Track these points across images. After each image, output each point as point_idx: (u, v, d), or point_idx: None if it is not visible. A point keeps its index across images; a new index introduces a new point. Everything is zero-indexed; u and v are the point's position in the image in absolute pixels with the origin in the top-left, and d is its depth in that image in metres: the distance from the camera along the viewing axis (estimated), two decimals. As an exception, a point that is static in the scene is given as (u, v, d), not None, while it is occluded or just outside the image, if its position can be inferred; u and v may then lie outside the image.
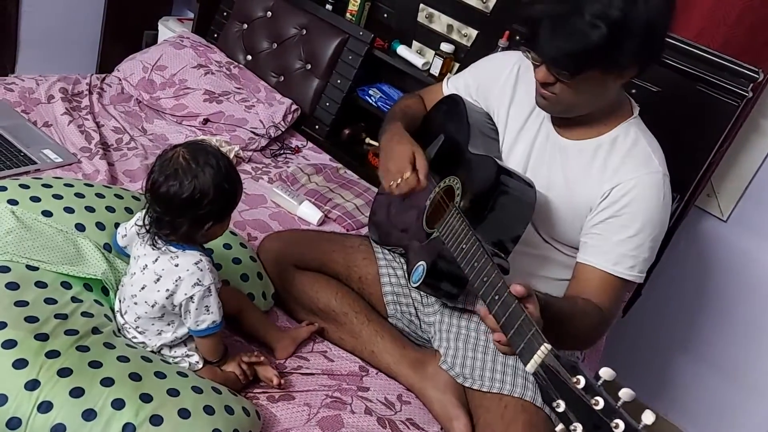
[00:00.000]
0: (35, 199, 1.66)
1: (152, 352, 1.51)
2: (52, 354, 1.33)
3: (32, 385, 1.28)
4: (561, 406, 0.99)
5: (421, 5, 2.64)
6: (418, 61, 2.60)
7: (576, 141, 1.59)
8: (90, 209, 1.70)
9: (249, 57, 2.91)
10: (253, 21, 2.91)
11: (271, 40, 2.87)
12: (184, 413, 1.34)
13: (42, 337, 1.35)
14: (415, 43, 2.70)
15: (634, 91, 2.00)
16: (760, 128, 2.18)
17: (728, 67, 1.99)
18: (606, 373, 0.97)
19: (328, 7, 2.81)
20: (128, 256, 1.57)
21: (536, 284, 1.42)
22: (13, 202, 1.64)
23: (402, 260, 1.85)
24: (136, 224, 1.50)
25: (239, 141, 2.52)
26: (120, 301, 1.54)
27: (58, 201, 1.68)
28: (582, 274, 1.55)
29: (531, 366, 1.07)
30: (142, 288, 1.45)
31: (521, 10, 2.12)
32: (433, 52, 2.58)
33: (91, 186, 1.80)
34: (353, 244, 1.92)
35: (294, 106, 2.70)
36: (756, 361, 2.40)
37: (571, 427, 0.96)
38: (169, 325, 1.49)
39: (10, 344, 1.32)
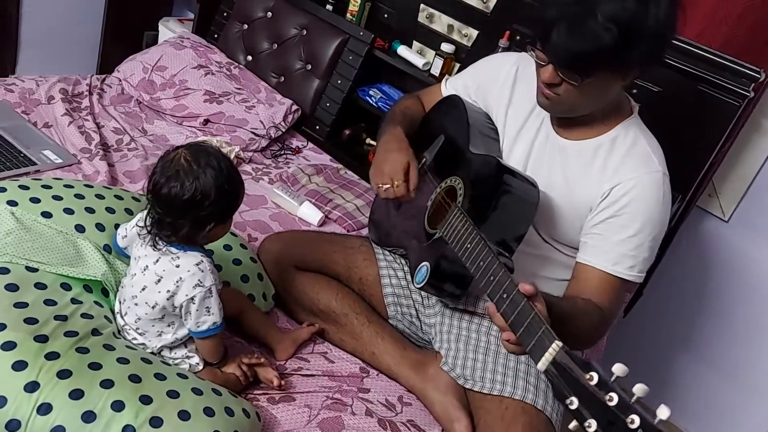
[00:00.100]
0: (35, 200, 1.66)
1: (152, 353, 1.51)
2: (52, 355, 1.32)
3: (32, 386, 1.28)
4: (574, 403, 0.98)
5: (422, 5, 2.64)
6: (418, 62, 2.60)
7: (575, 141, 1.59)
8: (90, 210, 1.70)
9: (249, 57, 2.91)
10: (254, 21, 2.91)
11: (271, 41, 2.87)
12: (184, 415, 1.33)
13: (41, 339, 1.35)
14: (415, 44, 2.70)
15: (635, 91, 2.00)
16: (761, 128, 2.18)
17: (729, 67, 1.99)
18: (619, 369, 0.96)
19: (329, 7, 2.81)
20: (128, 257, 1.56)
21: (537, 284, 1.42)
22: (12, 203, 1.63)
23: (403, 261, 1.85)
24: (137, 225, 1.50)
25: (239, 142, 2.52)
26: (120, 302, 1.54)
27: (58, 202, 1.68)
28: (582, 274, 1.54)
29: (542, 364, 1.07)
30: (143, 289, 1.45)
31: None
32: (434, 53, 2.57)
33: (91, 187, 1.80)
34: (354, 245, 1.91)
35: (294, 107, 2.70)
36: (757, 362, 2.40)
37: (586, 424, 0.95)
38: (169, 326, 1.49)
39: (9, 346, 1.31)
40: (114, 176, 2.18)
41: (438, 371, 1.66)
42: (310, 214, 2.25)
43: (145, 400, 1.32)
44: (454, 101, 1.79)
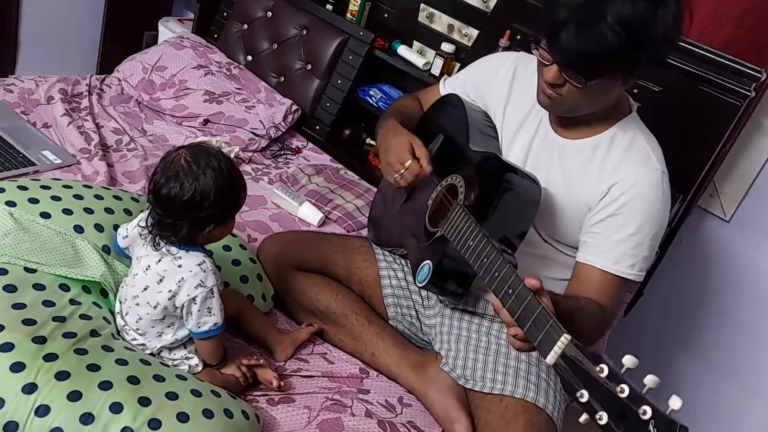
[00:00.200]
0: (33, 201, 1.65)
1: (152, 354, 1.50)
2: (50, 357, 1.32)
3: (29, 388, 1.27)
4: (584, 396, 0.98)
5: (422, 5, 2.64)
6: (418, 62, 2.59)
7: (574, 140, 1.58)
8: (89, 211, 1.69)
9: (249, 57, 2.91)
10: (253, 21, 2.90)
11: (271, 41, 2.86)
12: (182, 417, 1.33)
13: (40, 340, 1.34)
14: (415, 43, 2.69)
15: (635, 90, 1.99)
16: (762, 128, 2.17)
17: (731, 67, 1.98)
18: (629, 361, 0.96)
19: (329, 7, 2.80)
20: (129, 257, 1.56)
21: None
22: (11, 203, 1.63)
23: (403, 262, 1.85)
24: (138, 225, 1.50)
25: (239, 142, 2.51)
26: (120, 302, 1.54)
27: (57, 202, 1.67)
28: (582, 274, 1.54)
29: (551, 357, 1.07)
30: (145, 289, 1.45)
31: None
32: (434, 52, 2.57)
33: (90, 187, 1.79)
34: (354, 246, 1.91)
35: (294, 107, 2.69)
36: (757, 362, 2.40)
37: (597, 417, 0.95)
38: (169, 327, 1.48)
39: (7, 347, 1.31)
40: (113, 177, 2.18)
41: (438, 372, 1.65)
42: (310, 214, 2.24)
43: (144, 401, 1.32)
44: (452, 100, 1.79)
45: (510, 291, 1.20)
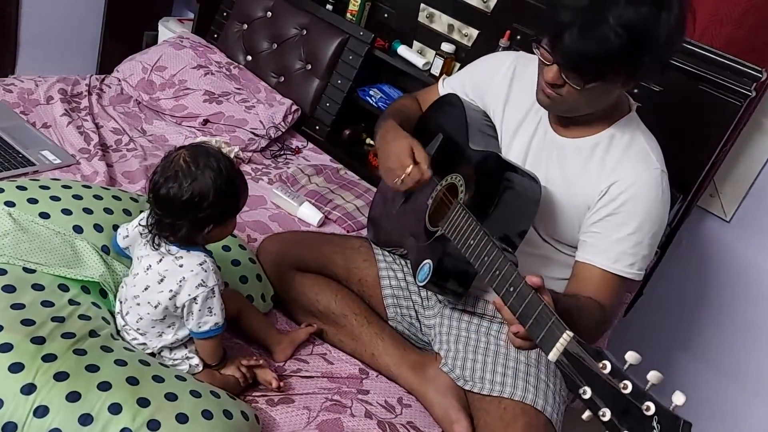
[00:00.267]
0: (32, 201, 1.65)
1: (152, 354, 1.50)
2: (49, 357, 1.32)
3: (28, 389, 1.27)
4: (587, 392, 0.98)
5: (422, 5, 2.63)
6: (418, 62, 2.59)
7: (573, 139, 1.58)
8: (88, 211, 1.69)
9: (249, 57, 2.90)
10: (253, 21, 2.90)
11: (271, 41, 2.86)
12: (182, 418, 1.33)
13: (38, 341, 1.34)
14: (415, 43, 2.69)
15: (636, 90, 1.98)
16: (763, 128, 2.17)
17: (731, 67, 1.98)
18: (632, 357, 0.96)
19: (329, 7, 2.80)
20: (128, 257, 1.56)
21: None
22: (10, 203, 1.63)
23: (403, 262, 1.85)
24: (139, 224, 1.50)
25: (239, 142, 2.51)
26: (121, 302, 1.53)
27: (56, 203, 1.67)
28: (582, 273, 1.54)
29: (554, 354, 1.07)
30: (146, 289, 1.45)
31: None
32: (434, 52, 2.57)
33: (90, 187, 1.79)
34: (353, 246, 1.91)
35: (294, 107, 2.69)
36: (757, 362, 2.40)
37: (600, 413, 0.95)
38: (170, 327, 1.48)
39: (5, 348, 1.31)
40: (112, 177, 2.17)
41: (438, 372, 1.65)
42: (309, 214, 2.24)
43: (143, 402, 1.32)
44: (451, 100, 1.78)
45: (511, 289, 1.21)
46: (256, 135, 2.56)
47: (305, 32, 2.78)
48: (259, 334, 1.70)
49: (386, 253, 1.87)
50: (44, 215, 1.63)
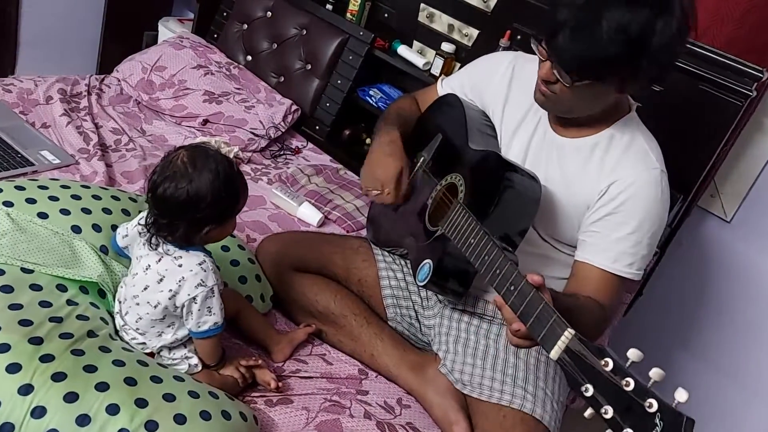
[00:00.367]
0: (31, 201, 1.65)
1: (151, 353, 1.50)
2: (47, 358, 1.31)
3: (26, 389, 1.26)
4: (589, 390, 0.98)
5: (422, 5, 2.63)
6: (418, 61, 2.59)
7: (573, 139, 1.58)
8: (86, 211, 1.69)
9: (249, 57, 2.90)
10: (253, 21, 2.90)
11: (271, 41, 2.86)
12: (180, 419, 1.32)
13: (36, 341, 1.33)
14: (415, 43, 2.69)
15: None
16: (763, 128, 2.17)
17: (732, 67, 1.98)
18: (634, 354, 0.96)
19: (329, 7, 2.80)
20: (127, 257, 1.56)
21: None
22: (8, 203, 1.62)
23: (402, 262, 1.84)
24: (139, 224, 1.49)
25: (239, 142, 2.51)
26: (120, 302, 1.53)
27: (54, 203, 1.67)
28: (581, 272, 1.54)
29: (555, 352, 1.07)
30: (145, 288, 1.45)
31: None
32: (434, 52, 2.56)
33: (88, 188, 1.79)
34: (353, 246, 1.90)
35: (294, 107, 2.69)
36: (757, 362, 2.39)
37: (602, 411, 0.95)
38: (169, 327, 1.48)
39: (3, 348, 1.30)
40: (112, 177, 2.17)
41: (437, 373, 1.65)
42: (309, 214, 2.24)
43: (141, 403, 1.31)
44: (450, 100, 1.78)
45: (512, 288, 1.20)
46: (256, 135, 2.55)
47: (305, 32, 2.77)
48: (258, 334, 1.69)
49: (386, 253, 1.87)
50: (42, 215, 1.63)
